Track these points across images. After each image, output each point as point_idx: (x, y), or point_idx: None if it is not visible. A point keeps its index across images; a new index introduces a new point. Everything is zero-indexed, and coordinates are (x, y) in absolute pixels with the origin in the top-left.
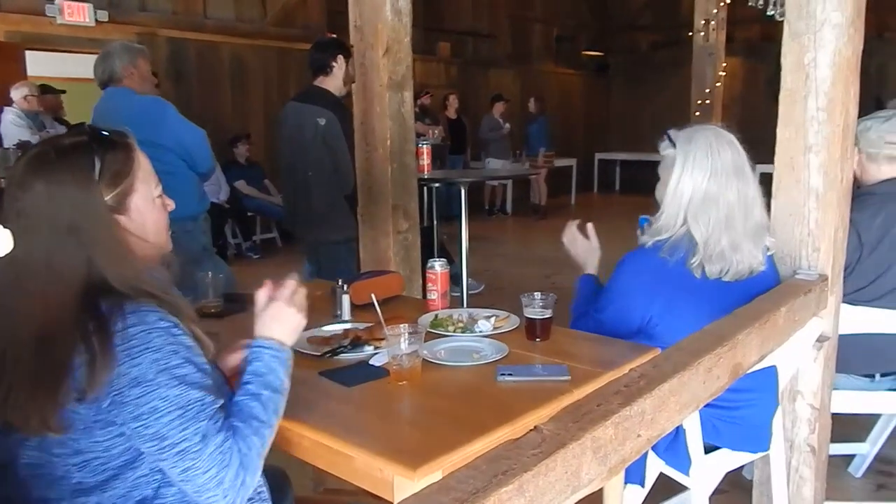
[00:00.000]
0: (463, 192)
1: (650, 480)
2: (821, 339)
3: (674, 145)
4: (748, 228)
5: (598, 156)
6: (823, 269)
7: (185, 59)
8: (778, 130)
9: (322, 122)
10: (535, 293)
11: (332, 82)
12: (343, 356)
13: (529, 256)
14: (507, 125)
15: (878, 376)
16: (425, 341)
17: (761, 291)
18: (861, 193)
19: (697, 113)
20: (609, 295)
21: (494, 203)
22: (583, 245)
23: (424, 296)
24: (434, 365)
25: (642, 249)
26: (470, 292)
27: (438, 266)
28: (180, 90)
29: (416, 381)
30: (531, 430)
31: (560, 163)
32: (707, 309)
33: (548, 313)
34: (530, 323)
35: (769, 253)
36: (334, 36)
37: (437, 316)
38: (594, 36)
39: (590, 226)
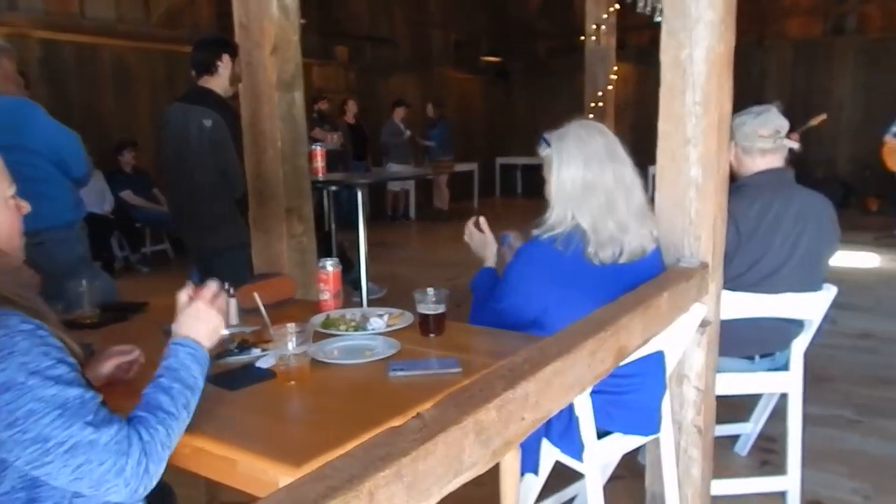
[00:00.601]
0: (360, 194)
1: (545, 469)
2: (703, 324)
3: (549, 145)
4: (632, 209)
5: (499, 160)
6: (704, 256)
7: (61, 62)
8: (659, 124)
9: (208, 123)
10: (428, 289)
11: (218, 82)
12: (229, 360)
13: (433, 260)
14: (409, 131)
15: (757, 358)
16: (316, 341)
17: (654, 271)
18: (738, 185)
19: (591, 115)
20: (505, 285)
21: (398, 209)
22: (478, 238)
23: None
24: (324, 364)
25: (537, 240)
26: (371, 297)
27: (330, 266)
28: (57, 94)
29: (304, 381)
30: (413, 416)
31: (462, 167)
32: (601, 298)
33: (441, 308)
34: (423, 318)
35: (653, 245)
36: (219, 34)
37: (328, 316)
38: (494, 41)
39: (482, 219)
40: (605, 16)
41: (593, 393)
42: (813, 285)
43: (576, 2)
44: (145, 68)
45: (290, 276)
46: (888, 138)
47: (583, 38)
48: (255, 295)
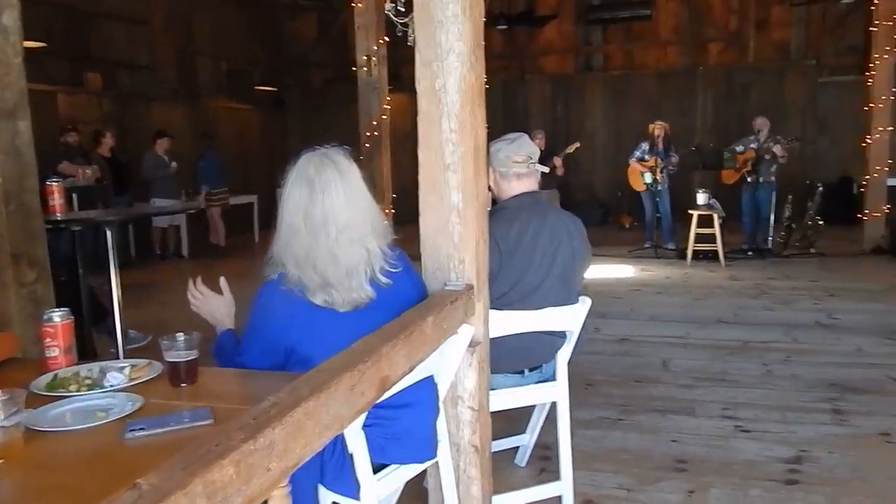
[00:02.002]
0: (109, 234)
1: None
2: (473, 344)
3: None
4: (343, 261)
5: (279, 191)
6: (469, 278)
7: None
8: (419, 152)
9: None
10: (178, 333)
11: None
12: None
13: None
14: (174, 163)
15: (526, 371)
16: (39, 406)
17: (408, 302)
18: (498, 208)
19: (367, 145)
20: (247, 336)
21: (167, 246)
22: (216, 302)
23: None
24: (44, 434)
25: (269, 283)
26: (130, 346)
27: (57, 317)
28: None
29: (15, 459)
30: (129, 487)
31: (240, 200)
32: (352, 326)
33: (193, 354)
34: (173, 367)
35: (396, 270)
36: None
37: (56, 376)
38: (268, 71)
39: (222, 280)
40: (375, 48)
41: (365, 426)
42: (570, 299)
43: (349, 33)
44: None
45: (11, 333)
46: (632, 162)
47: (355, 69)
48: None
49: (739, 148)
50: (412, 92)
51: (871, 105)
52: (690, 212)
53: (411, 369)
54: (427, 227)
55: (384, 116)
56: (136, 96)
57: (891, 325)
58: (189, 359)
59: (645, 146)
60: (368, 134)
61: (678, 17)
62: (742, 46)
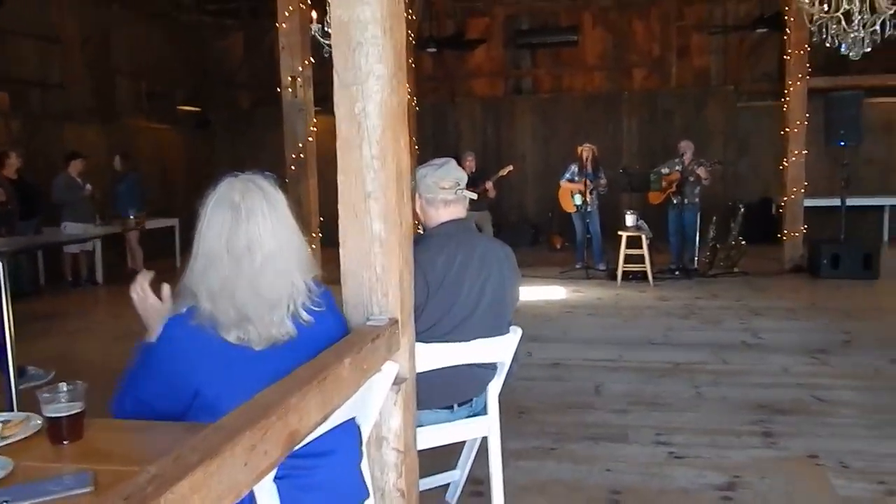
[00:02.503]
0: (1, 265)
1: None
2: (398, 381)
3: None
4: (266, 294)
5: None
6: (393, 312)
7: None
8: (338, 178)
9: None
10: (62, 384)
11: None
12: None
13: (121, 331)
14: (89, 185)
15: (456, 406)
16: None
17: (329, 340)
18: (424, 236)
19: (293, 167)
20: (148, 370)
21: (80, 273)
22: (154, 306)
23: None
24: None
25: (177, 317)
26: (29, 384)
27: None
28: None
29: None
30: None
31: (160, 223)
32: (268, 365)
33: (76, 408)
34: (53, 424)
35: (320, 309)
36: None
37: None
38: (192, 91)
39: (165, 287)
40: (300, 68)
41: (277, 479)
42: (501, 329)
43: (275, 53)
44: None
45: None
46: (563, 183)
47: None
48: None
49: (665, 170)
50: (332, 112)
51: (787, 129)
52: (620, 233)
53: (325, 418)
54: (348, 258)
55: (310, 139)
56: (47, 116)
57: (812, 343)
58: (72, 413)
59: (574, 168)
60: (294, 157)
61: (603, 44)
62: (664, 73)
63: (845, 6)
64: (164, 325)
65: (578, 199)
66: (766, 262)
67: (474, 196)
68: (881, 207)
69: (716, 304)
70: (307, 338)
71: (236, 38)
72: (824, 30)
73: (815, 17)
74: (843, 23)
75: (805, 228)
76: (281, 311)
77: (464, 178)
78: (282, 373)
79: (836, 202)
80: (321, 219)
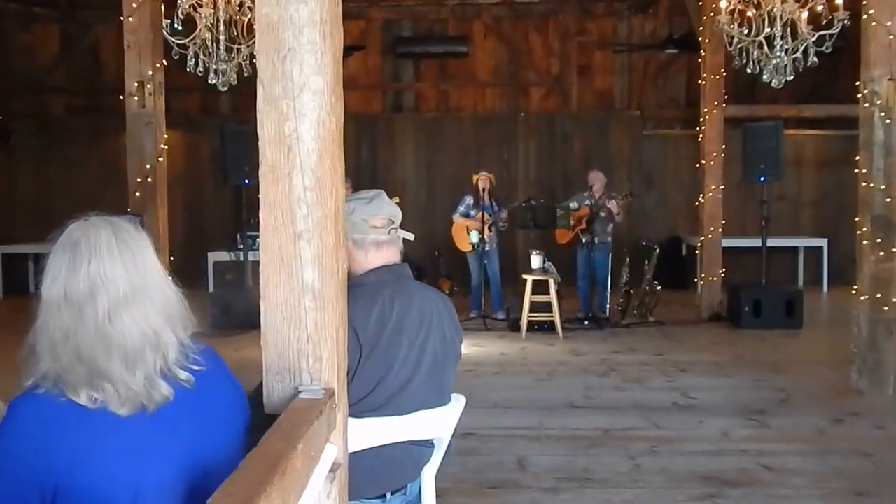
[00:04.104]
0: None
1: None
2: (333, 469)
3: None
4: (117, 349)
5: (0, 249)
6: (329, 381)
7: None
8: (261, 214)
9: None
10: None
11: None
12: None
13: None
14: None
15: (388, 496)
16: None
17: (222, 405)
18: (352, 285)
19: (138, 193)
20: None
21: None
22: None
23: None
24: None
25: (24, 395)
26: None
27: None
28: None
29: None
30: None
31: None
32: (143, 435)
33: None
34: None
35: (198, 368)
36: None
37: None
38: None
39: None
40: (150, 72)
41: None
42: (443, 397)
43: (101, 51)
44: None
45: None
46: (457, 218)
47: (122, 97)
48: None
49: (574, 204)
50: (185, 128)
51: (703, 162)
52: (525, 276)
53: None
54: (270, 314)
55: (160, 159)
56: None
57: (747, 404)
58: None
59: (469, 200)
60: (139, 181)
61: (496, 57)
62: (564, 93)
63: (767, 30)
64: (7, 409)
65: (475, 237)
66: (681, 310)
67: (411, 237)
68: (795, 249)
69: (635, 359)
70: (190, 402)
71: (49, 31)
72: (745, 54)
73: (734, 41)
74: (766, 48)
75: (723, 273)
76: (147, 367)
77: (398, 214)
78: (163, 443)
79: (751, 243)
80: (171, 258)
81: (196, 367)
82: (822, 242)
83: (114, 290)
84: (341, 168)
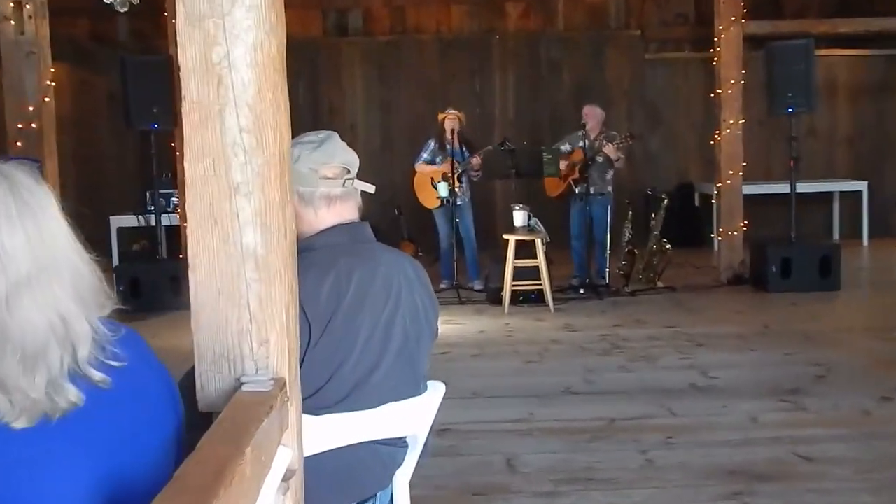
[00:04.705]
0: None
1: None
2: (287, 476)
3: None
4: (13, 350)
5: None
6: (278, 369)
7: None
8: (186, 164)
9: None
10: None
11: None
12: None
13: None
14: None
15: None
16: None
17: (147, 410)
18: (298, 250)
19: (19, 143)
20: None
21: None
22: None
23: None
24: None
25: None
26: None
27: None
28: None
29: None
30: None
31: None
32: (37, 452)
33: None
34: None
35: (121, 362)
36: None
37: None
38: None
39: None
40: None
41: None
42: (416, 385)
43: None
44: None
45: None
46: (420, 166)
47: None
48: None
49: (565, 147)
50: (73, 60)
51: (719, 91)
52: (506, 237)
53: None
54: (203, 288)
55: (47, 99)
56: None
57: (778, 382)
58: None
59: (434, 144)
60: (21, 126)
61: None
62: (549, 9)
63: None
64: None
65: (444, 189)
66: (695, 273)
67: (371, 189)
68: (829, 195)
69: (643, 334)
70: (106, 405)
71: None
72: None
73: None
74: None
75: (745, 225)
76: (48, 371)
77: (354, 161)
78: (72, 457)
79: (778, 189)
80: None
81: (115, 363)
82: (862, 186)
83: (14, 270)
84: (286, 102)
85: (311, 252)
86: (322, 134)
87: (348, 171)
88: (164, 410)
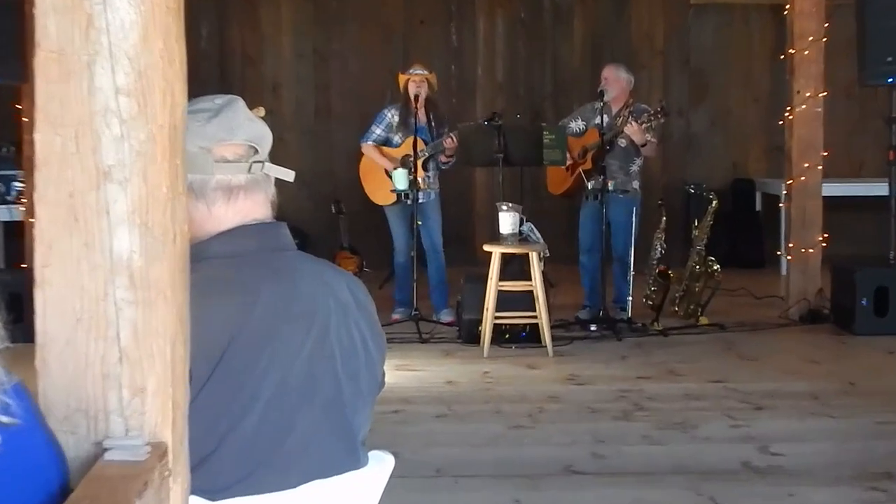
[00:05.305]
0: None
1: None
2: None
3: None
4: None
5: None
6: (158, 430)
7: None
8: (36, 136)
9: None
10: None
11: None
12: None
13: None
14: None
15: None
16: None
17: (29, 484)
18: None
19: None
20: None
21: None
22: None
23: None
24: None
25: None
26: None
27: None
28: None
29: None
30: None
31: None
32: None
33: None
34: None
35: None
36: None
37: None
38: None
39: None
40: None
41: None
42: (353, 456)
43: None
44: None
45: None
46: (368, 146)
47: None
48: None
49: (577, 125)
50: None
51: (791, 52)
52: (487, 248)
53: None
54: (55, 312)
55: None
56: None
57: (865, 461)
58: None
59: (392, 116)
60: None
61: None
62: None
63: None
64: None
65: (402, 179)
66: (754, 306)
67: (289, 177)
68: None
69: (678, 391)
70: None
71: None
72: None
73: None
74: None
75: (825, 240)
76: None
77: (265, 136)
78: None
79: (871, 190)
80: None
81: (5, 420)
82: None
83: None
84: (182, 54)
85: (201, 263)
86: (220, 99)
87: (256, 152)
88: (51, 475)
